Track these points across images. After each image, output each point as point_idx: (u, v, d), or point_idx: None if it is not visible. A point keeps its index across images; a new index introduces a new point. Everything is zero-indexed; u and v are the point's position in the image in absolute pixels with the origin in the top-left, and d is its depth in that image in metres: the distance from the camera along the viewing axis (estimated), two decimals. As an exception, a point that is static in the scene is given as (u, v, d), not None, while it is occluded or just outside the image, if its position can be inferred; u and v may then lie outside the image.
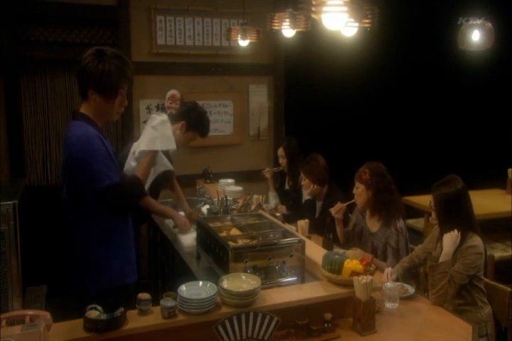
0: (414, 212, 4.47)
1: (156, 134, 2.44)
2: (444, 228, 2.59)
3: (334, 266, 2.32)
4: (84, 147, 2.16)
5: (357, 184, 3.18)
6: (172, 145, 2.51)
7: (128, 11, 4.62)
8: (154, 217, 3.72)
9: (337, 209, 3.29)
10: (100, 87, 2.21)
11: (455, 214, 2.57)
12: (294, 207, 4.28)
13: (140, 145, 2.46)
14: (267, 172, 4.67)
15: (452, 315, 2.40)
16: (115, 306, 1.96)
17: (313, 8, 1.79)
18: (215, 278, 2.30)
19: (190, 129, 3.50)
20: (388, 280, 2.65)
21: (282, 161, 4.52)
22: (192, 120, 3.48)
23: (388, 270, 2.71)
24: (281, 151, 4.52)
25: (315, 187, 3.83)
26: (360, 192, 3.16)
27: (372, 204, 3.16)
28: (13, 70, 4.40)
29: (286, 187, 4.58)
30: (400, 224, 3.09)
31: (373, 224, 3.23)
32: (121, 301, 2.04)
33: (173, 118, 3.58)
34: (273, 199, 4.55)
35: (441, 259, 2.51)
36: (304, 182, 3.89)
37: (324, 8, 1.79)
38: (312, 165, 3.87)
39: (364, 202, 3.18)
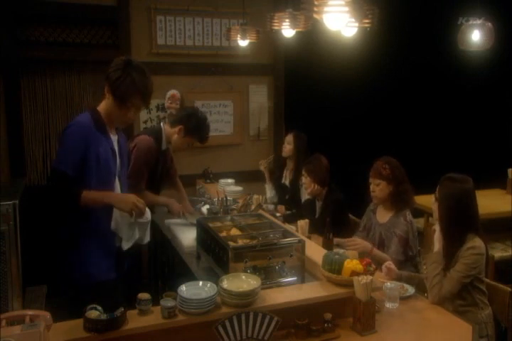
0: (414, 212, 4.47)
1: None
2: (443, 224, 2.58)
3: (334, 266, 2.32)
4: (66, 132, 2.33)
5: (376, 181, 3.19)
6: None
7: (128, 11, 4.62)
8: (154, 217, 3.71)
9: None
10: (113, 91, 2.34)
11: (455, 212, 2.55)
12: (292, 205, 4.28)
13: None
14: (261, 164, 4.67)
15: (452, 315, 2.39)
16: (96, 300, 2.00)
17: (315, 8, 1.80)
18: (215, 278, 2.30)
19: (189, 135, 3.50)
20: (385, 271, 2.67)
21: (287, 147, 4.44)
22: (191, 125, 3.48)
23: (390, 264, 2.71)
24: (290, 137, 4.45)
25: (316, 187, 3.83)
26: (381, 188, 3.18)
27: (392, 197, 3.19)
28: (13, 70, 4.41)
29: (283, 180, 4.57)
30: (410, 217, 3.16)
31: (383, 216, 3.27)
32: (102, 296, 2.13)
33: (172, 122, 3.59)
34: (269, 191, 4.56)
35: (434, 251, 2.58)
36: (306, 180, 3.89)
37: (326, 8, 1.80)
38: (315, 164, 3.87)
39: (385, 197, 3.21)
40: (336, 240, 3.20)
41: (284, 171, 4.60)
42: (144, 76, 2.37)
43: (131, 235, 2.43)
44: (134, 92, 2.34)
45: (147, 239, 2.54)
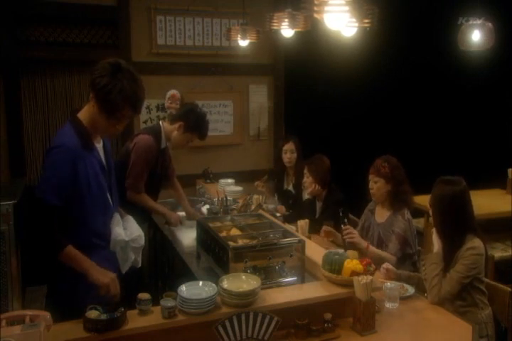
0: (414, 212, 4.46)
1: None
2: (438, 226, 2.59)
3: (334, 266, 2.32)
4: (51, 154, 2.11)
5: (375, 178, 3.19)
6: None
7: (128, 11, 4.62)
8: (154, 217, 3.72)
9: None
10: (100, 100, 2.10)
11: (449, 214, 2.55)
12: (294, 207, 4.27)
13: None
14: (258, 186, 4.53)
15: (452, 315, 2.39)
16: None
17: (315, 8, 1.80)
18: (215, 278, 2.30)
19: (188, 131, 3.49)
20: (384, 272, 2.67)
21: (291, 156, 4.35)
22: (190, 121, 3.47)
23: (387, 266, 2.71)
24: (290, 145, 4.35)
25: (317, 187, 3.83)
26: (379, 186, 3.18)
27: (391, 196, 3.19)
28: (13, 70, 4.41)
29: (285, 186, 4.56)
30: (408, 215, 3.16)
31: (382, 215, 3.27)
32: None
33: (172, 119, 3.59)
34: (273, 204, 4.51)
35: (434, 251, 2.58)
36: (307, 180, 3.88)
37: (326, 8, 1.80)
38: (317, 164, 3.86)
39: (383, 196, 3.21)
40: (325, 228, 3.16)
41: (285, 177, 4.57)
42: (135, 82, 2.11)
43: (126, 258, 2.37)
44: (124, 103, 2.09)
45: (140, 263, 2.46)
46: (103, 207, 2.27)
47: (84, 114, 2.19)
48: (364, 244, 3.10)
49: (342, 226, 3.11)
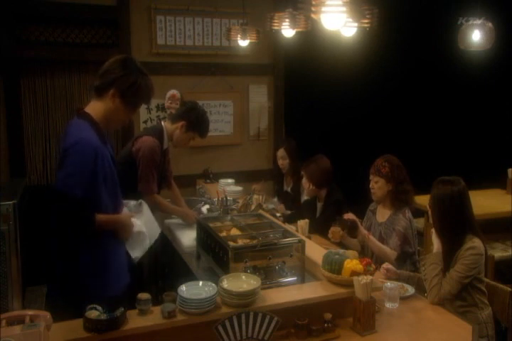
0: (414, 211, 4.46)
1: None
2: (437, 226, 2.59)
3: (334, 266, 2.32)
4: (74, 150, 2.11)
5: (375, 178, 3.20)
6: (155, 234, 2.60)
7: (128, 11, 4.62)
8: (154, 217, 3.71)
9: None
10: (126, 97, 2.22)
11: (449, 214, 2.56)
12: (294, 207, 4.27)
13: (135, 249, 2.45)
14: (256, 190, 4.40)
15: (452, 315, 2.39)
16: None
17: (312, 8, 1.80)
18: (215, 278, 2.31)
19: (190, 129, 3.49)
20: (384, 272, 2.67)
21: (283, 162, 4.42)
22: (192, 120, 3.47)
23: (387, 265, 2.71)
24: (281, 152, 4.42)
25: (311, 187, 3.83)
26: (380, 186, 3.19)
27: (392, 196, 3.20)
28: (13, 70, 4.41)
29: (285, 187, 4.56)
30: (409, 214, 3.17)
31: (383, 215, 3.28)
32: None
33: (173, 118, 3.59)
34: (274, 204, 4.51)
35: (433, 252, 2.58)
36: (304, 180, 3.88)
37: (323, 8, 1.79)
38: (313, 165, 3.86)
39: (384, 196, 3.22)
40: (333, 228, 3.18)
41: (284, 179, 4.57)
42: (148, 77, 2.29)
43: (142, 243, 2.43)
44: (149, 96, 2.32)
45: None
46: (116, 200, 2.31)
47: (94, 110, 2.24)
48: (365, 231, 3.16)
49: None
